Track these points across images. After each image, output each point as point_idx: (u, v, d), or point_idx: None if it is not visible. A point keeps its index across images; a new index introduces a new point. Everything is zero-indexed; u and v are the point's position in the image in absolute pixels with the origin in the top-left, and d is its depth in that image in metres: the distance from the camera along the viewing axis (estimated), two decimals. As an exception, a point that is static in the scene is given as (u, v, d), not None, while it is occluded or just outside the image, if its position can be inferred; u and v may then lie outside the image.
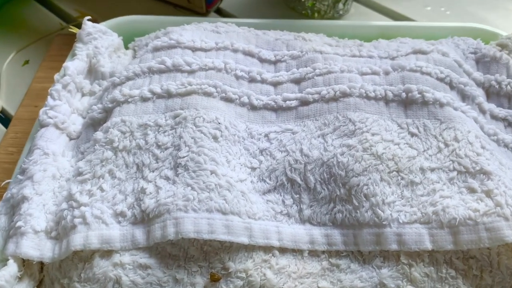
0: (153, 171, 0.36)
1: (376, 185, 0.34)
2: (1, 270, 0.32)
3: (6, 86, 0.57)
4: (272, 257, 0.33)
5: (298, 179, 0.36)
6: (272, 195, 0.36)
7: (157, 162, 0.36)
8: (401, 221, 0.33)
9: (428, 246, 0.32)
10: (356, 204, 0.34)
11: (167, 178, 0.35)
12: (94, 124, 0.41)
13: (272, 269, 0.33)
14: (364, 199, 0.34)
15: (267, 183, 0.36)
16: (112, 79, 0.43)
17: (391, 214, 0.33)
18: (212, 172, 0.35)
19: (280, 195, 0.36)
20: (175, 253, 0.33)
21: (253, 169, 0.37)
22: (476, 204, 0.33)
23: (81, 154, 0.39)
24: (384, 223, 0.33)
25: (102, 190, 0.36)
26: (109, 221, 0.34)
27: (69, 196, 0.35)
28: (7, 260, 0.33)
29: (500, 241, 0.31)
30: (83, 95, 0.45)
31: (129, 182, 0.36)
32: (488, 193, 0.33)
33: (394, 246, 0.33)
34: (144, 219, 0.34)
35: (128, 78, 0.42)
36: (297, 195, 0.35)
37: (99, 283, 0.32)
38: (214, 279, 0.32)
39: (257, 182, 0.36)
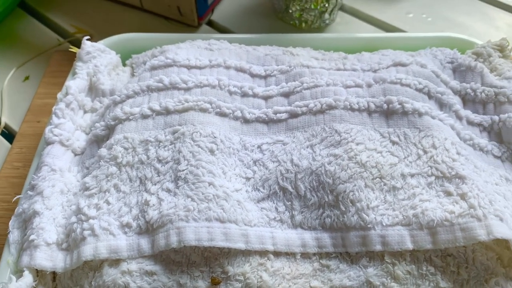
0: (155, 184, 0.38)
1: (361, 191, 0.37)
2: (18, 281, 0.34)
3: (8, 102, 0.59)
4: (268, 260, 0.36)
5: (290, 187, 0.39)
6: (266, 203, 0.39)
7: (159, 176, 0.39)
8: (384, 224, 0.36)
9: (410, 246, 0.35)
10: (343, 209, 0.37)
11: (168, 191, 0.38)
12: (97, 140, 0.44)
13: (267, 272, 0.35)
14: (350, 204, 0.37)
15: (261, 191, 0.39)
16: (113, 98, 0.45)
17: (375, 217, 0.36)
18: (210, 184, 0.37)
19: (273, 203, 0.39)
20: (179, 259, 0.36)
21: (248, 179, 0.40)
22: (452, 207, 0.36)
23: (86, 169, 0.42)
24: (369, 226, 0.36)
25: (108, 203, 0.38)
26: (116, 232, 0.37)
27: (77, 210, 0.38)
28: (22, 271, 0.36)
29: (474, 240, 0.34)
30: (85, 112, 0.47)
31: (133, 195, 0.38)
32: (463, 196, 0.36)
33: (378, 247, 0.36)
34: (149, 229, 0.37)
35: (128, 96, 0.45)
36: (289, 202, 0.38)
37: (108, 290, 0.35)
38: (215, 282, 0.35)
39: (252, 191, 0.39)
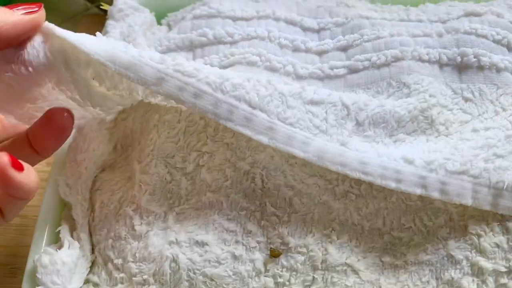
0: None
1: (423, 143, 0.34)
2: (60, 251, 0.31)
3: (35, 70, 0.56)
4: (333, 231, 0.32)
5: (351, 107, 0.33)
6: (317, 107, 0.33)
7: None
8: (448, 169, 0.31)
9: (469, 201, 0.31)
10: (403, 148, 0.33)
11: None
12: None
13: (333, 244, 0.31)
14: (411, 149, 0.33)
15: (318, 94, 0.33)
16: (154, 46, 0.41)
17: (438, 159, 0.32)
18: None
19: (326, 112, 0.33)
20: (233, 228, 0.32)
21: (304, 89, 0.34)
22: None
23: None
24: (431, 167, 0.31)
25: None
26: None
27: None
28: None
29: None
30: None
31: None
32: None
33: (435, 194, 0.31)
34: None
35: (170, 49, 0.41)
36: (343, 121, 0.33)
37: (155, 263, 0.31)
38: (275, 254, 0.31)
39: (307, 90, 0.33)
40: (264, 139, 0.31)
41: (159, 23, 0.49)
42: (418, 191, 0.31)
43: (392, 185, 0.31)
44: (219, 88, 0.31)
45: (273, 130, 0.31)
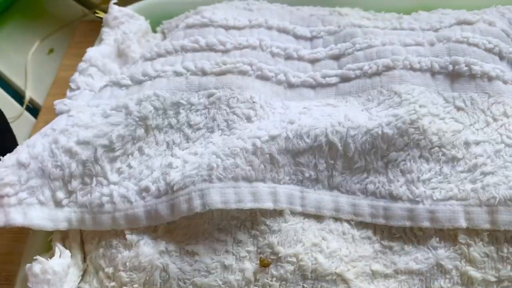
0: (183, 150, 0.35)
1: (414, 161, 0.33)
2: (51, 261, 0.31)
3: (32, 76, 0.56)
4: (323, 240, 0.32)
5: (338, 145, 0.34)
6: (306, 156, 0.34)
7: (188, 142, 0.35)
8: (435, 198, 0.32)
9: (463, 224, 0.31)
10: (391, 177, 0.33)
11: (196, 154, 0.35)
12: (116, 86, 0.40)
13: (323, 253, 0.31)
14: (400, 174, 0.33)
15: (304, 141, 0.34)
16: (142, 54, 0.41)
17: (425, 191, 0.32)
18: (238, 138, 0.34)
19: (315, 158, 0.34)
20: (223, 238, 0.32)
21: (292, 122, 0.35)
22: None
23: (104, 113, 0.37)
24: (417, 199, 0.32)
25: (130, 167, 0.35)
26: (133, 198, 0.34)
27: (101, 172, 0.34)
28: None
29: None
30: None
31: (157, 158, 0.35)
32: None
33: (426, 223, 0.32)
34: (168, 191, 0.33)
35: (159, 55, 0.41)
36: (332, 161, 0.34)
37: (145, 272, 0.31)
38: (264, 264, 0.31)
39: (293, 138, 0.34)
40: (269, 205, 0.32)
41: (154, 30, 0.49)
42: (408, 223, 0.32)
43: (382, 221, 0.32)
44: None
45: (274, 194, 0.33)
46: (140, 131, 0.36)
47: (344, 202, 0.33)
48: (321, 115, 0.35)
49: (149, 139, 0.36)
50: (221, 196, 0.32)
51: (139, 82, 0.39)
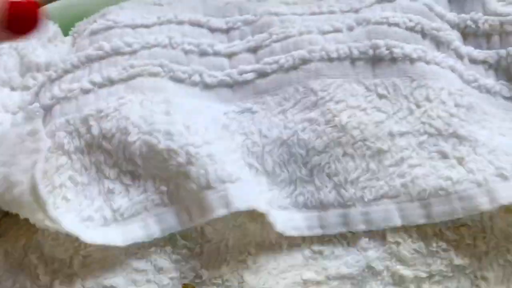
0: (112, 168, 0.32)
1: (338, 162, 0.32)
2: None
3: None
4: (248, 255, 0.30)
5: (256, 163, 0.32)
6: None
7: (111, 157, 0.33)
8: (366, 199, 0.31)
9: (398, 222, 0.30)
10: (319, 184, 0.32)
11: (130, 173, 0.32)
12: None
13: (249, 269, 0.30)
14: (327, 178, 0.32)
15: (235, 83, 0.34)
16: (48, 74, 0.38)
17: (355, 192, 0.31)
18: (168, 151, 0.31)
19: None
20: (142, 268, 0.30)
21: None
22: (448, 172, 0.31)
23: None
24: (348, 203, 0.31)
25: (67, 200, 0.32)
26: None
27: None
28: None
29: (475, 210, 0.29)
30: (12, 89, 0.39)
31: (93, 185, 0.32)
32: (461, 160, 0.31)
33: (361, 226, 0.31)
34: (117, 219, 0.31)
35: (66, 71, 0.37)
36: (256, 179, 0.32)
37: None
38: (188, 290, 0.29)
39: (221, 87, 0.34)
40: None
41: (66, 34, 0.45)
42: (344, 229, 0.31)
43: (320, 231, 0.31)
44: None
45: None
46: (61, 159, 0.33)
47: (279, 221, 0.31)
48: (239, 133, 0.34)
49: (76, 165, 0.33)
50: (178, 217, 0.31)
51: (49, 108, 0.36)
